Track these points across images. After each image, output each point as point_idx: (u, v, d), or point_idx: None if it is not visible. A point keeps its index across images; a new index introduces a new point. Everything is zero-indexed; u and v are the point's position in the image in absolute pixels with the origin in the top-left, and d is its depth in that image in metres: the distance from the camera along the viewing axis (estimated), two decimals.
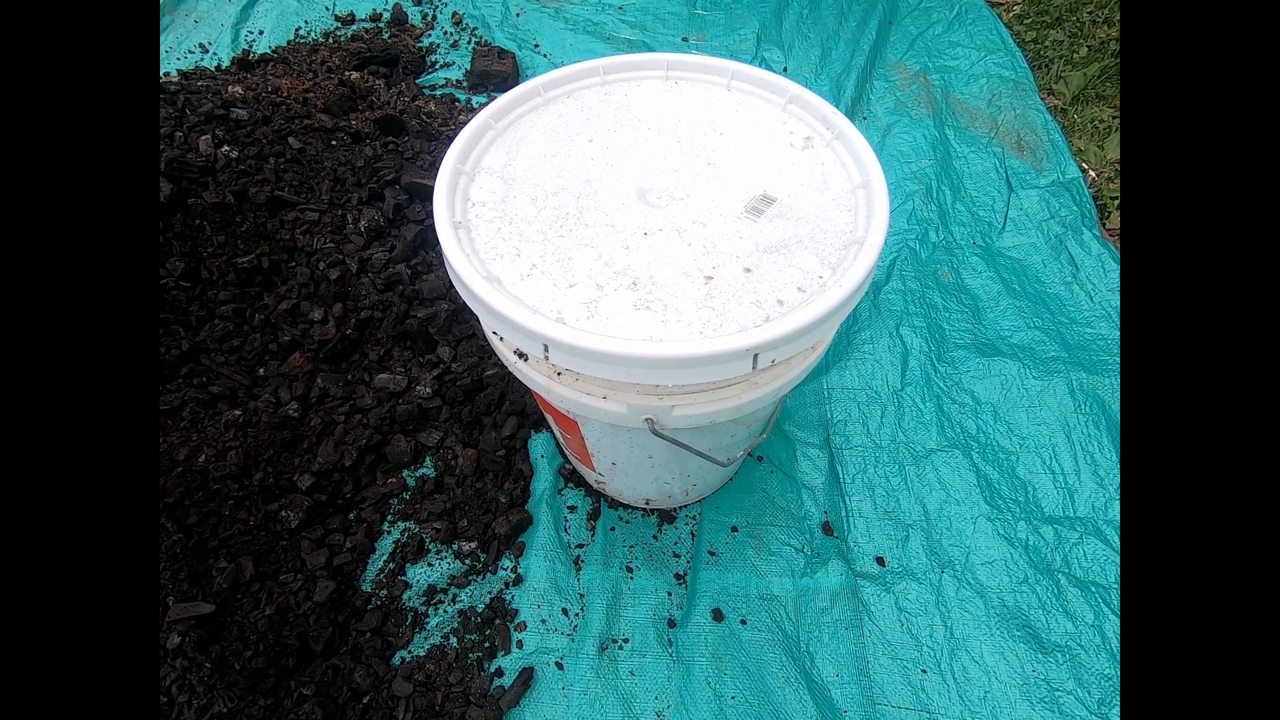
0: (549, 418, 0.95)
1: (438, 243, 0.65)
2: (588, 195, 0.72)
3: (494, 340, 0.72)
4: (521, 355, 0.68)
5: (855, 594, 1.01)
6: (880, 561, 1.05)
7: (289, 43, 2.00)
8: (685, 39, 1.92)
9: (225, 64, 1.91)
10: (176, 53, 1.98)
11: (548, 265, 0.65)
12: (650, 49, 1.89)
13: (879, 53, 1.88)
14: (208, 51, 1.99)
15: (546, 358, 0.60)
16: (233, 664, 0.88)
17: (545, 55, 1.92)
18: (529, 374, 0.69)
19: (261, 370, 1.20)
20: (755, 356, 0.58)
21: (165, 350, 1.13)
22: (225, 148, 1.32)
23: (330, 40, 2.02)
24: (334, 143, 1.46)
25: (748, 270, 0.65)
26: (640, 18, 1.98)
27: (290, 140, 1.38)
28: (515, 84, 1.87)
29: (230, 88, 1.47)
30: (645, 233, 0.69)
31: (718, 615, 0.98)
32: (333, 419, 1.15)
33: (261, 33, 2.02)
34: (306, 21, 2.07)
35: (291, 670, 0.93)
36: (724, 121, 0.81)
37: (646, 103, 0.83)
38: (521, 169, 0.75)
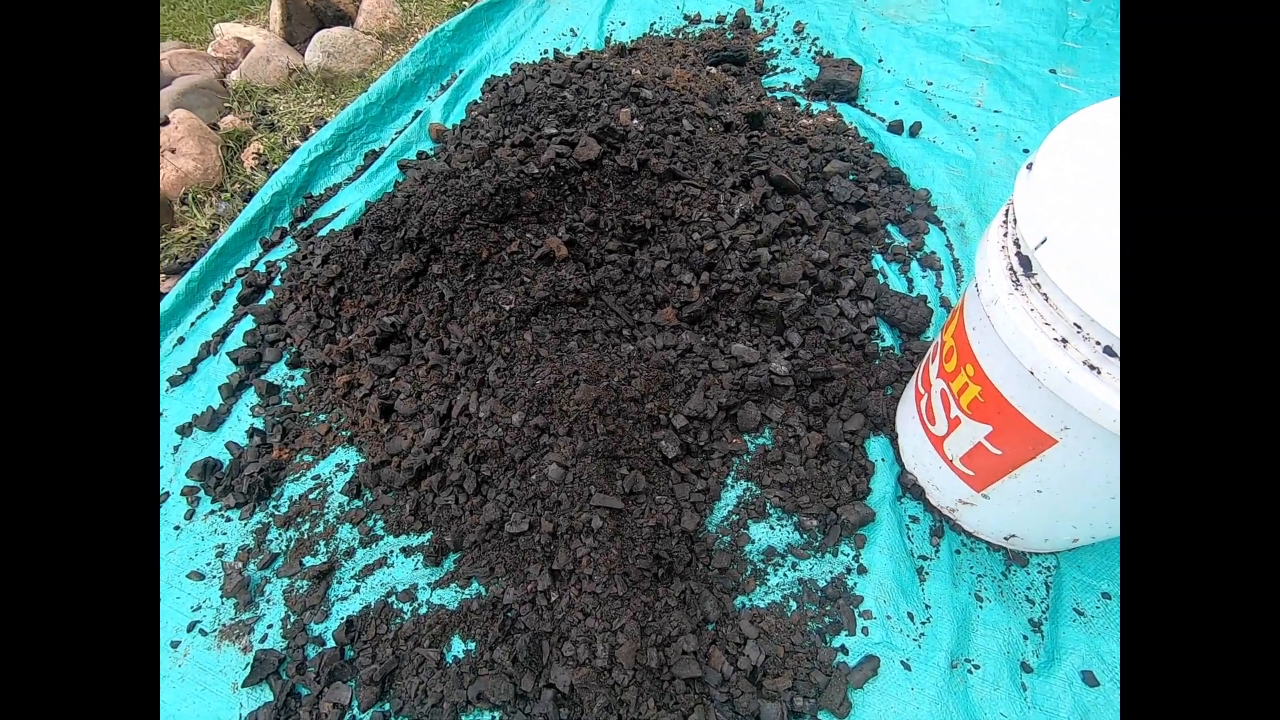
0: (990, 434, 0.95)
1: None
2: None
3: (1049, 354, 0.68)
4: (1093, 368, 0.67)
5: None
6: None
7: (644, 35, 2.24)
8: (1053, 70, 1.82)
9: (591, 47, 2.19)
10: (552, 34, 2.31)
11: None
12: (1010, 76, 1.82)
13: None
14: (576, 35, 2.30)
15: None
16: (627, 556, 1.03)
17: (889, 71, 1.94)
18: (1081, 385, 0.67)
19: (636, 316, 1.37)
20: None
21: (579, 283, 1.33)
22: (635, 121, 1.52)
23: (681, 36, 2.22)
24: (709, 129, 1.62)
25: None
26: (997, 43, 1.92)
27: (684, 122, 1.55)
28: (856, 95, 1.92)
29: (632, 70, 1.69)
30: None
31: (1090, 679, 0.93)
32: (695, 373, 1.28)
33: (624, 24, 2.28)
34: (661, 17, 2.29)
35: (661, 579, 1.05)
36: None
37: None
38: None
